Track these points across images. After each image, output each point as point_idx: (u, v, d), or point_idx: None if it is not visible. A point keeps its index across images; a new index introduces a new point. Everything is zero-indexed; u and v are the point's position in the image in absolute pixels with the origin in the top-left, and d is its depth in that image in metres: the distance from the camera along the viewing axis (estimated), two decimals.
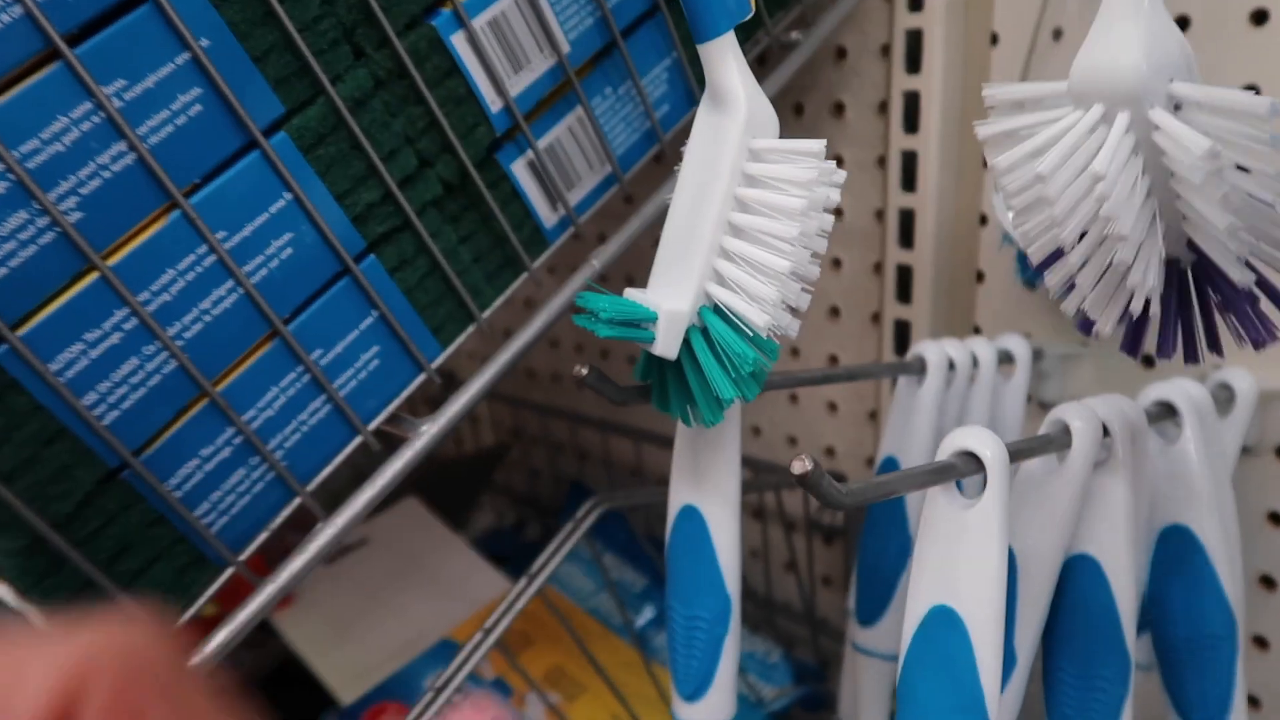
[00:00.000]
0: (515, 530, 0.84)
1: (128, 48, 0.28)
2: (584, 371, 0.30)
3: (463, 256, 0.38)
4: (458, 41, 0.36)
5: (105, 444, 0.29)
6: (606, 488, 0.77)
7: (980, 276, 0.53)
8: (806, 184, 0.27)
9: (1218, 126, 0.26)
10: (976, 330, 0.54)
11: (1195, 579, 0.35)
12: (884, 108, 0.53)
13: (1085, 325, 0.31)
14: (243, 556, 0.33)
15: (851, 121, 0.56)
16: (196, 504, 0.32)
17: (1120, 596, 0.33)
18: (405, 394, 0.37)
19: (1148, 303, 0.28)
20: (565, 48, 0.39)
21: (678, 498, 0.35)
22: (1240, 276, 0.27)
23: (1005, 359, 0.46)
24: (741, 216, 0.28)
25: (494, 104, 0.37)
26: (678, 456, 0.35)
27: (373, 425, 0.36)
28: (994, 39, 0.48)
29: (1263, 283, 0.28)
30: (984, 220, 0.52)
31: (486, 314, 0.39)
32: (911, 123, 0.52)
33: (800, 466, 0.24)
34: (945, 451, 0.29)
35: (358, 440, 0.36)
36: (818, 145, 0.27)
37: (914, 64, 0.50)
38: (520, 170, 0.39)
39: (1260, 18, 0.40)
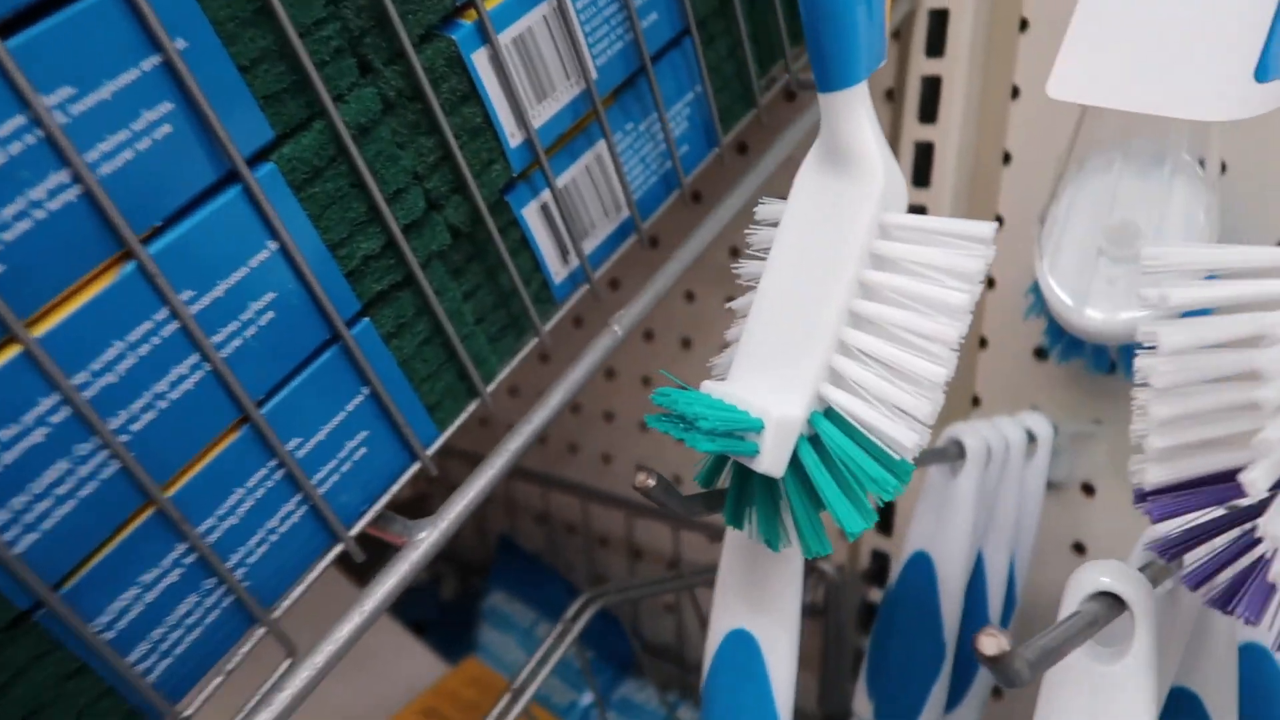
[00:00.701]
0: (431, 588, 0.76)
1: (79, 45, 0.20)
2: (651, 483, 0.24)
3: (466, 317, 0.31)
4: (479, 60, 0.29)
5: (16, 581, 0.21)
6: (544, 546, 0.70)
7: (984, 342, 0.49)
8: (972, 276, 0.22)
9: None
10: (975, 402, 0.50)
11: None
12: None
13: (1199, 579, 0.23)
14: (189, 712, 0.25)
15: None
16: (131, 646, 0.24)
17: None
18: (395, 489, 0.30)
19: None
20: (594, 74, 0.33)
21: (726, 620, 0.30)
22: None
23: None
24: (872, 306, 0.23)
25: (513, 137, 0.31)
26: (728, 571, 0.30)
27: (356, 529, 0.29)
28: (1023, 24, 0.44)
29: None
30: (991, 283, 0.48)
31: (491, 387, 0.32)
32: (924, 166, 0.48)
33: (992, 646, 0.19)
34: (1078, 593, 0.25)
35: (337, 549, 0.28)
36: (988, 229, 0.22)
37: (936, 48, 0.46)
38: (532, 215, 0.33)
39: None
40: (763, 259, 0.27)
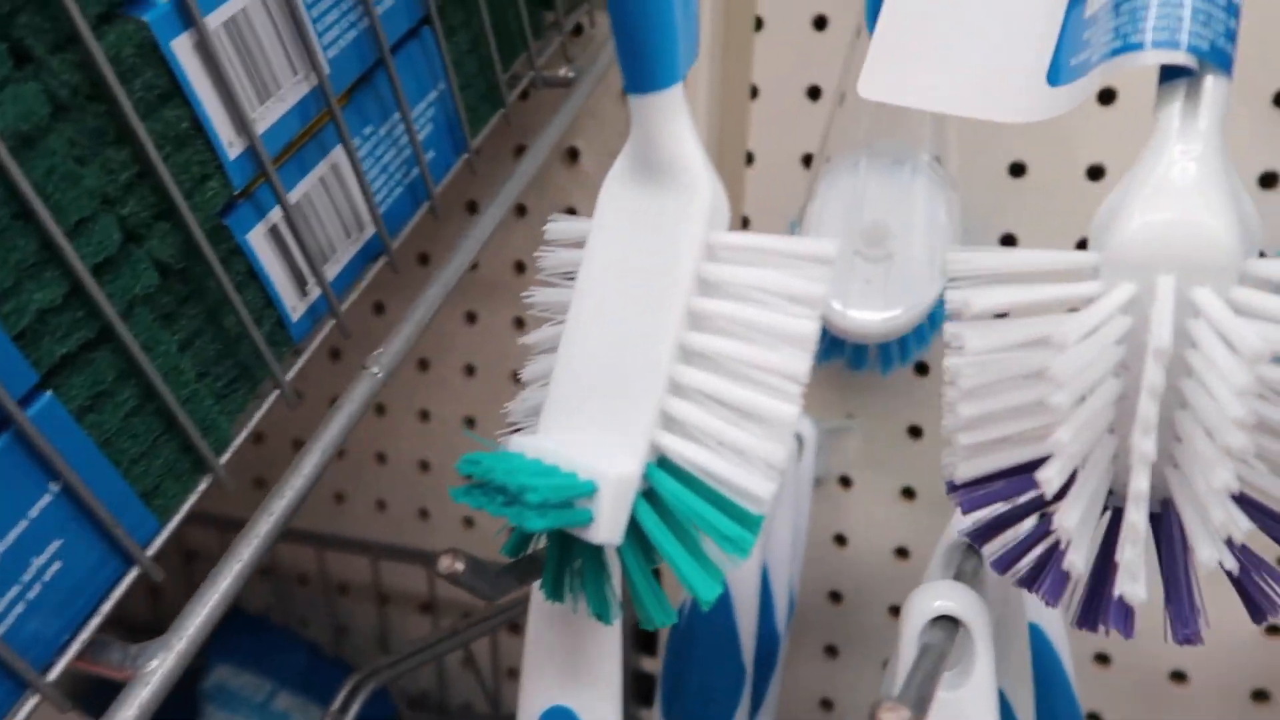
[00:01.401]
0: (189, 680, 0.64)
1: None
2: (460, 568, 0.20)
3: (185, 374, 0.25)
4: (181, 49, 0.23)
5: None
6: (273, 603, 0.62)
7: None
8: (815, 300, 0.20)
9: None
10: None
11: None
12: None
13: (1006, 563, 0.23)
14: None
15: (590, 172, 0.49)
16: None
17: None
18: (107, 608, 0.23)
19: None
20: (326, 67, 0.28)
21: (542, 695, 0.26)
22: (1207, 553, 0.19)
23: None
24: (707, 339, 0.20)
25: (231, 146, 0.25)
26: (538, 641, 0.26)
27: (56, 671, 0.22)
28: (759, 24, 0.44)
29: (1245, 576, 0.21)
30: None
31: (225, 456, 0.26)
32: None
33: None
34: (918, 619, 0.24)
35: (33, 701, 0.21)
36: (829, 248, 0.20)
37: None
38: (259, 241, 0.27)
39: (1018, 170, 0.41)
40: (560, 285, 0.23)
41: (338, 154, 0.30)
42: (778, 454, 0.20)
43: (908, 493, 0.47)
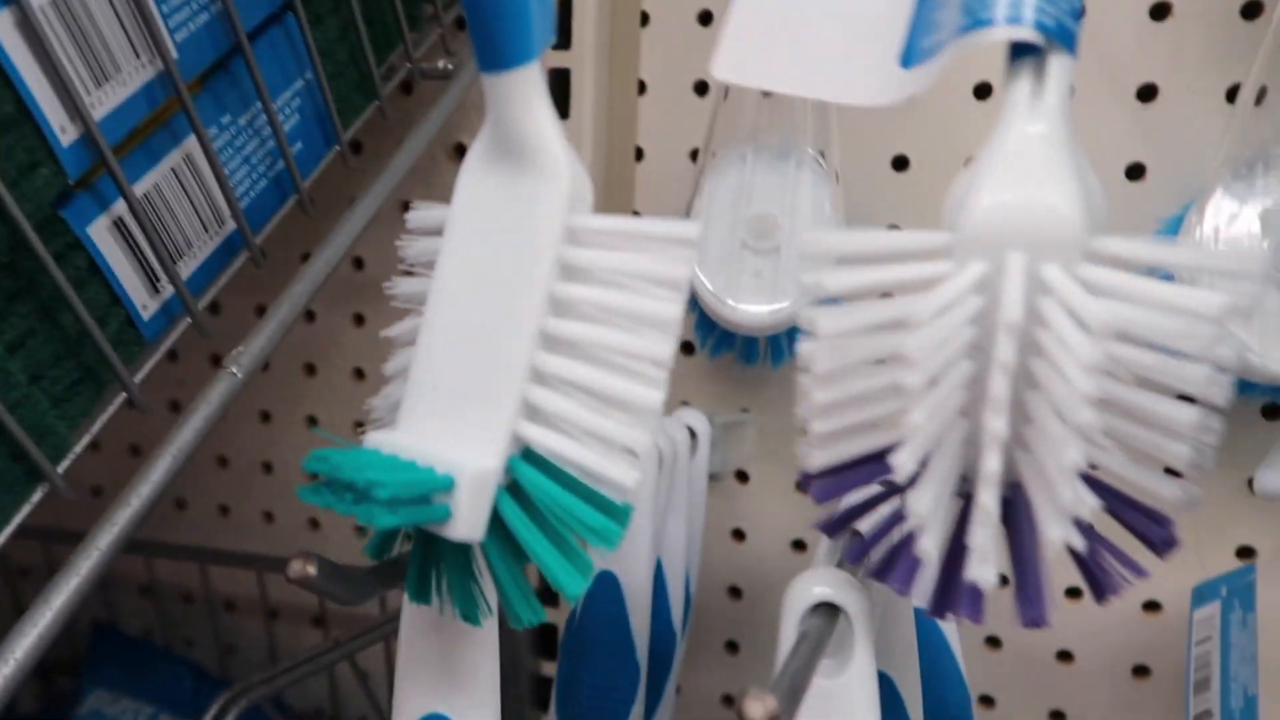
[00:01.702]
0: (61, 708, 0.60)
1: None
2: (311, 571, 0.19)
3: (15, 377, 0.23)
4: (3, 29, 0.22)
5: None
6: (154, 623, 0.59)
7: None
8: (679, 283, 0.19)
9: (1128, 315, 0.19)
10: None
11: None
12: None
13: (859, 552, 0.23)
14: None
15: None
16: None
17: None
18: None
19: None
20: (173, 51, 0.26)
21: (416, 703, 0.25)
22: (1056, 532, 0.19)
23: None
24: (569, 325, 0.20)
25: (64, 132, 0.23)
26: (410, 647, 0.25)
27: None
28: (644, 18, 0.44)
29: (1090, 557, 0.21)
30: None
31: (64, 464, 0.24)
32: None
33: (759, 709, 0.16)
34: (797, 607, 0.24)
35: None
36: (691, 230, 0.19)
37: (562, 40, 0.44)
38: (101, 234, 0.26)
39: (901, 163, 0.41)
40: (424, 275, 0.22)
41: (191, 143, 0.28)
42: (642, 440, 0.19)
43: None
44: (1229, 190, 0.34)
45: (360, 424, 0.54)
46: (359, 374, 0.53)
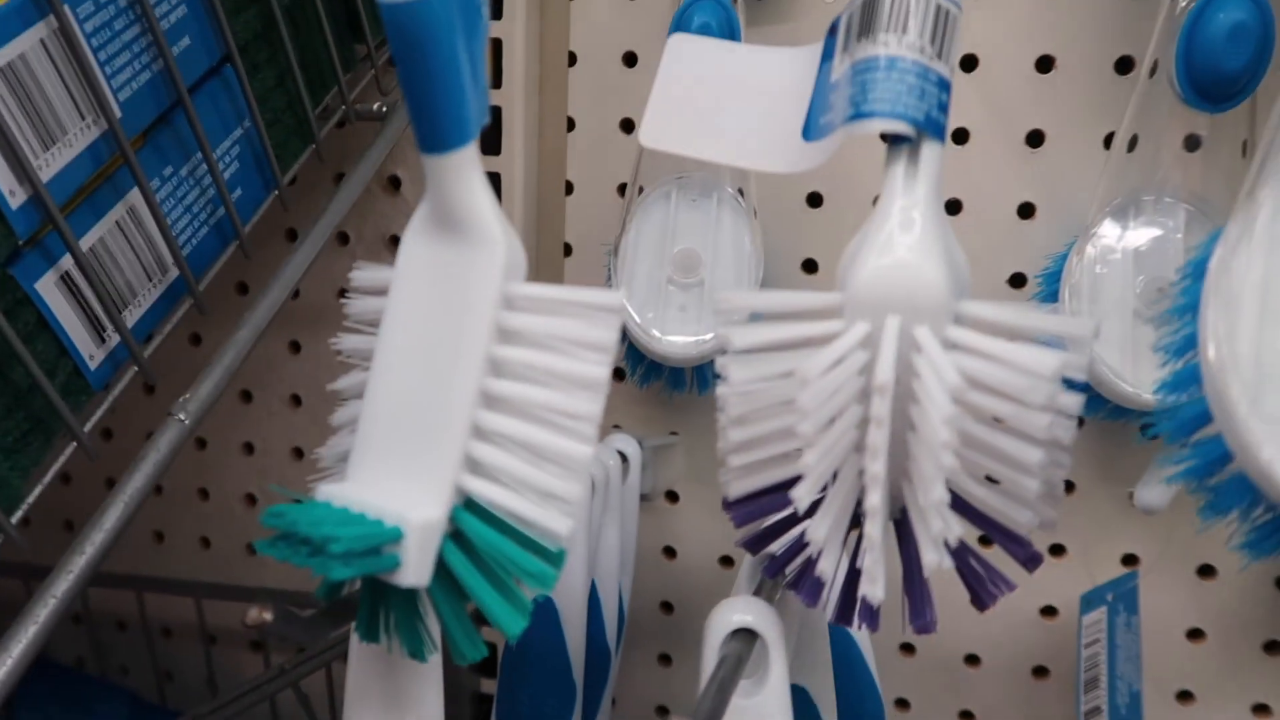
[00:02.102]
0: None
1: None
2: (268, 618, 0.20)
3: None
4: None
5: None
6: (87, 652, 0.59)
7: None
8: (605, 346, 0.21)
9: (982, 370, 0.21)
10: None
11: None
12: None
13: (775, 569, 0.25)
14: None
15: (411, 201, 0.49)
16: None
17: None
18: None
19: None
20: (116, 111, 0.27)
21: None
22: (930, 556, 0.22)
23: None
24: (505, 385, 0.21)
25: (13, 196, 0.24)
26: (356, 679, 0.26)
27: None
28: (572, 59, 0.46)
29: (964, 570, 0.23)
30: None
31: (18, 514, 0.25)
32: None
33: None
34: (718, 633, 0.26)
35: None
36: (616, 298, 0.21)
37: (494, 79, 0.45)
38: (49, 289, 0.27)
39: (815, 200, 0.44)
40: (366, 332, 0.24)
41: (134, 196, 0.29)
42: (574, 492, 0.21)
43: None
44: (1106, 231, 0.37)
45: (298, 450, 0.54)
46: (295, 400, 0.53)
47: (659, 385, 0.45)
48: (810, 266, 0.45)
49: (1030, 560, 0.24)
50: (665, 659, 0.53)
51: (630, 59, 0.45)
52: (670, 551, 0.51)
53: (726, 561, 0.51)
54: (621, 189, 0.46)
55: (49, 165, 0.25)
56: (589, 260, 0.48)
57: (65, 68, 0.25)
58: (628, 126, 0.46)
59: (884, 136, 0.23)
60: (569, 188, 0.47)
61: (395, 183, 0.49)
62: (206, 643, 0.56)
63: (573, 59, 0.45)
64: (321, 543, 0.19)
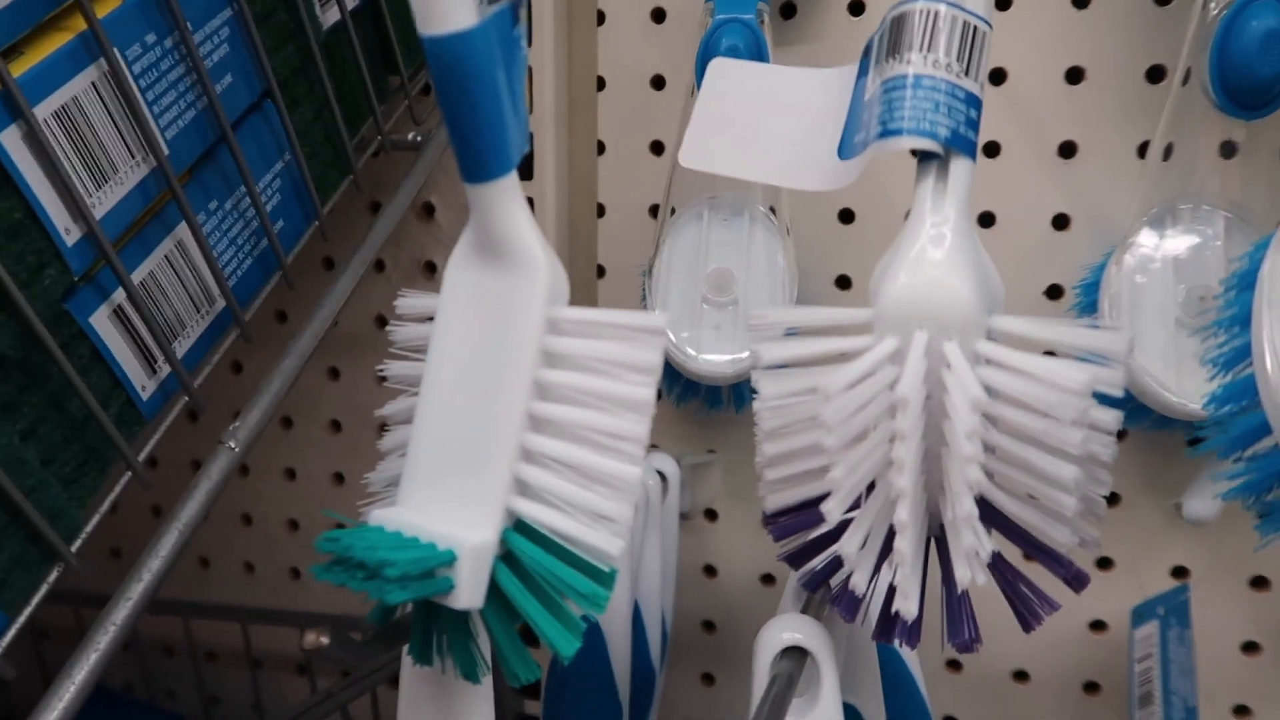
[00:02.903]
0: None
1: None
2: (325, 642, 0.21)
3: (29, 464, 0.25)
4: (11, 141, 0.23)
5: None
6: (136, 676, 0.59)
7: None
8: (651, 368, 0.21)
9: (1013, 385, 0.21)
10: None
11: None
12: None
13: (814, 584, 0.25)
14: None
15: (445, 226, 0.50)
16: None
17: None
18: None
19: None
20: (165, 149, 0.28)
21: None
22: (962, 572, 0.22)
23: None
24: (553, 408, 0.22)
25: (69, 233, 0.25)
26: (410, 702, 0.26)
27: None
28: (600, 83, 0.46)
29: (1007, 588, 0.24)
30: None
31: (77, 543, 0.26)
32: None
33: None
34: (768, 651, 0.26)
35: None
36: (660, 320, 0.21)
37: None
38: (103, 323, 0.27)
39: (847, 216, 0.44)
40: (412, 358, 0.24)
41: (182, 230, 0.30)
42: (624, 512, 0.21)
43: None
44: (1144, 240, 0.37)
45: (339, 475, 0.55)
46: (335, 426, 0.54)
47: (696, 404, 0.45)
48: (843, 283, 0.45)
49: (1074, 579, 0.24)
50: (708, 678, 0.53)
51: (658, 82, 0.45)
52: (710, 570, 0.51)
53: (768, 579, 0.50)
54: (652, 211, 0.47)
55: (101, 203, 0.26)
56: (622, 282, 0.48)
57: (115, 108, 0.26)
58: (657, 149, 0.46)
59: (914, 153, 0.23)
60: (600, 210, 0.48)
61: (429, 209, 0.50)
62: (252, 667, 0.57)
63: (601, 83, 0.46)
64: (377, 567, 0.19)
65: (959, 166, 0.23)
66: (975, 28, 0.24)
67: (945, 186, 0.22)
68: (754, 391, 0.24)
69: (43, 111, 0.24)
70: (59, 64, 0.25)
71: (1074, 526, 0.23)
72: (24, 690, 0.23)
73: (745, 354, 0.40)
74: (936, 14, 0.23)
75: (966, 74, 0.23)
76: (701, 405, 0.45)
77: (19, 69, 0.24)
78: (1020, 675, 0.47)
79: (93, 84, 0.26)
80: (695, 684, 0.53)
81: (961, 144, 0.22)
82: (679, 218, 0.43)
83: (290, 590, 0.58)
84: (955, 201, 0.22)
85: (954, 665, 0.49)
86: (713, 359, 0.40)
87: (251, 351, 0.53)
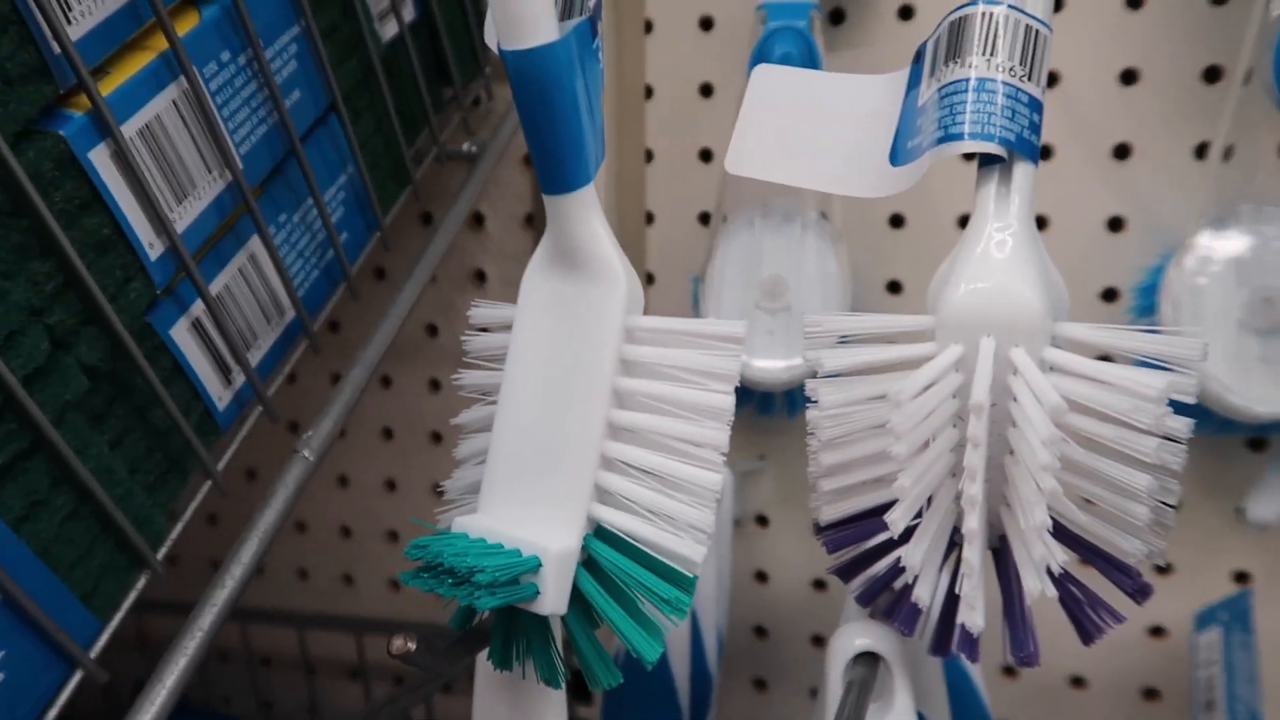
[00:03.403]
0: None
1: None
2: (412, 647, 0.21)
3: (118, 473, 0.25)
4: (99, 159, 0.24)
5: None
6: (193, 679, 0.60)
7: None
8: (730, 376, 0.21)
9: (1084, 392, 0.21)
10: None
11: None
12: (530, 221, 0.49)
13: (867, 597, 0.25)
14: None
15: (495, 236, 0.50)
16: None
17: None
18: (53, 716, 0.23)
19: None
20: (239, 163, 0.29)
21: None
22: (1032, 583, 0.22)
23: None
24: (632, 416, 0.22)
25: (152, 248, 0.26)
26: (485, 706, 0.27)
27: None
28: (649, 92, 0.46)
29: (1068, 600, 0.23)
30: None
31: (163, 551, 0.26)
32: None
33: None
34: (841, 657, 0.26)
35: None
36: (739, 328, 0.22)
37: None
38: (182, 336, 0.28)
39: (898, 221, 0.44)
40: (487, 368, 0.25)
41: (254, 243, 0.30)
42: (706, 519, 0.21)
43: None
44: (1205, 242, 0.36)
45: (391, 482, 0.55)
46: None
47: (748, 410, 0.45)
48: (895, 288, 0.45)
49: (1139, 592, 0.23)
50: (760, 684, 0.53)
51: (706, 90, 0.45)
52: (762, 576, 0.51)
53: (819, 585, 0.50)
54: (701, 218, 0.47)
55: (182, 218, 0.27)
56: (672, 288, 0.48)
57: (194, 125, 0.27)
58: (706, 156, 0.46)
59: (973, 156, 0.23)
60: (649, 218, 0.48)
61: (478, 219, 0.50)
62: (307, 672, 0.58)
63: (649, 92, 0.46)
64: (467, 573, 0.20)
65: (1022, 171, 0.22)
66: (1036, 30, 0.24)
67: (1008, 191, 0.22)
68: (811, 400, 0.24)
69: (129, 129, 0.25)
70: (143, 83, 0.25)
71: (1143, 537, 0.22)
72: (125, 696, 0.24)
73: (799, 360, 0.40)
74: (998, 17, 0.23)
75: (1029, 78, 0.23)
76: (752, 411, 0.45)
77: (106, 88, 0.24)
78: (1077, 681, 0.47)
79: (173, 101, 0.26)
80: (747, 690, 0.53)
81: (1025, 148, 0.22)
82: (731, 224, 0.43)
83: (343, 596, 0.58)
84: (1019, 206, 0.22)
85: (1009, 671, 0.48)
86: (767, 365, 0.41)
87: (302, 360, 0.54)
